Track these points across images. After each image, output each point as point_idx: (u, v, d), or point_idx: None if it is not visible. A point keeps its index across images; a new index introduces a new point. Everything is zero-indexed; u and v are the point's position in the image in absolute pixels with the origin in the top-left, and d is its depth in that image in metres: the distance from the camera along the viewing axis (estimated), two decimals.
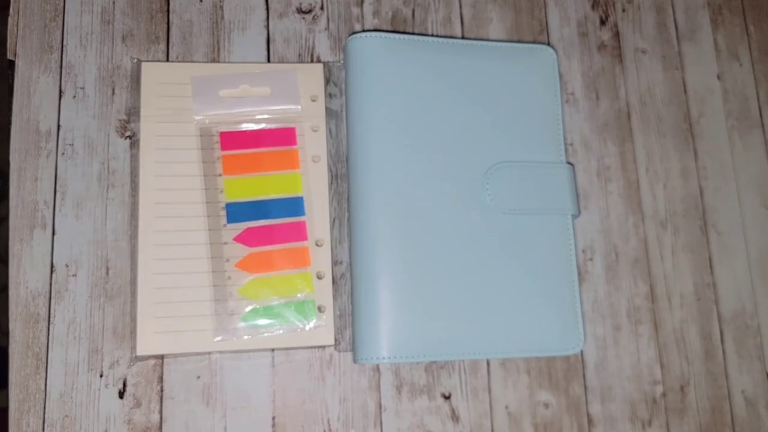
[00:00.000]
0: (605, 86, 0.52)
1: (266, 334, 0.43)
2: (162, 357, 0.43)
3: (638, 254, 0.49)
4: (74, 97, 0.46)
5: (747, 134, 0.52)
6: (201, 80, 0.46)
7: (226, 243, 0.44)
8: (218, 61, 0.48)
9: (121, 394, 0.42)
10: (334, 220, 0.46)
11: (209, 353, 0.43)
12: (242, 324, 0.43)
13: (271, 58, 0.48)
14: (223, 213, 0.44)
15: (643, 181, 0.50)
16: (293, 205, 0.45)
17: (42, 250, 0.43)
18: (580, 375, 0.46)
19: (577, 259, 0.47)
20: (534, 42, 0.51)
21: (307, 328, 0.43)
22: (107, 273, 0.43)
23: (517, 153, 0.47)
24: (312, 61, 0.49)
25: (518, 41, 0.51)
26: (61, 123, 0.45)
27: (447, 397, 0.45)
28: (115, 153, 0.45)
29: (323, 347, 0.44)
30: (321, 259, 0.44)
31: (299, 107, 0.47)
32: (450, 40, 0.48)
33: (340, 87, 0.48)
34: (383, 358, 0.42)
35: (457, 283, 0.44)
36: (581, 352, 0.47)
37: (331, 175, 0.46)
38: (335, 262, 0.45)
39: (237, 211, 0.44)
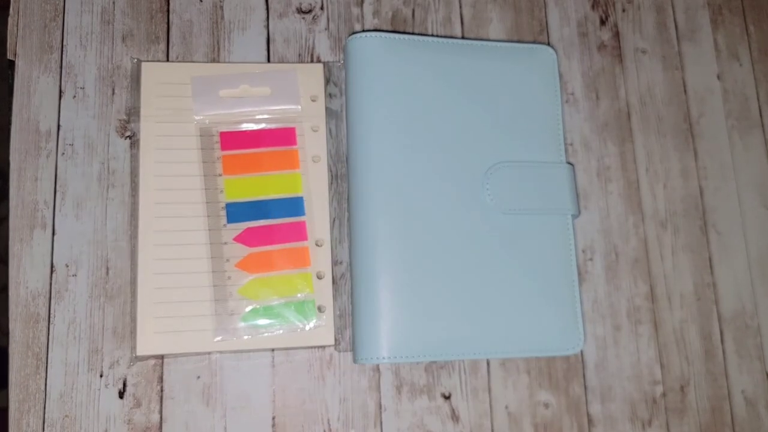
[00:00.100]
0: (605, 86, 0.52)
1: (266, 334, 0.43)
2: (162, 357, 0.43)
3: (638, 254, 0.49)
4: (74, 97, 0.46)
5: (747, 134, 0.52)
6: (201, 80, 0.46)
7: (226, 243, 0.44)
8: (218, 61, 0.48)
9: (121, 394, 0.42)
10: (334, 220, 0.46)
11: (209, 353, 0.43)
12: (242, 324, 0.43)
13: (271, 58, 0.48)
14: (223, 213, 0.44)
15: (643, 181, 0.50)
16: (293, 205, 0.45)
17: (42, 250, 0.43)
18: (580, 375, 0.46)
19: (577, 259, 0.47)
20: (534, 42, 0.51)
21: (307, 328, 0.43)
22: (107, 273, 0.43)
23: (517, 153, 0.47)
24: (312, 61, 0.49)
25: (518, 41, 0.51)
26: (61, 123, 0.45)
27: (447, 397, 0.45)
28: (115, 153, 0.45)
29: (323, 347, 0.44)
30: (321, 259, 0.44)
31: (299, 107, 0.47)
32: (450, 40, 0.48)
33: (340, 87, 0.48)
34: (383, 358, 0.42)
35: (457, 283, 0.44)
36: (581, 352, 0.47)
37: (331, 175, 0.46)
38: (335, 262, 0.45)
39: (237, 211, 0.44)
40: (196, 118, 0.45)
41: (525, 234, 0.45)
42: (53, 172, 0.45)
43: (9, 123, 0.45)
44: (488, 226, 0.45)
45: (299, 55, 0.49)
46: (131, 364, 0.42)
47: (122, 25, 0.47)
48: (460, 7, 0.51)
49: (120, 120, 0.46)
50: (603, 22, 0.53)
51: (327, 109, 0.47)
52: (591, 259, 0.48)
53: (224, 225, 0.44)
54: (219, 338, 0.42)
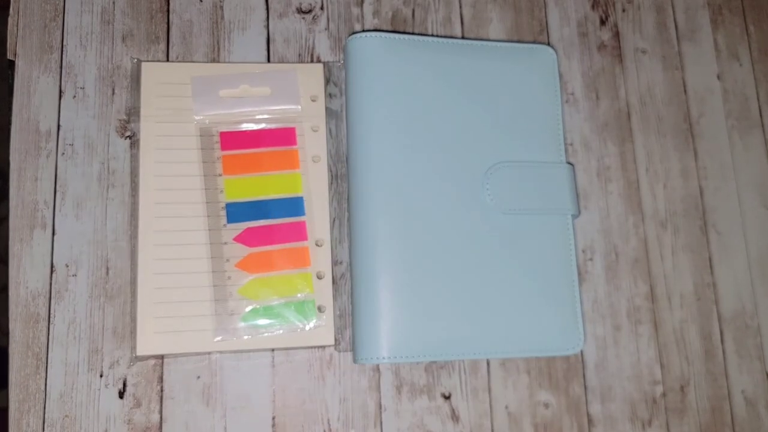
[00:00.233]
0: (605, 86, 0.52)
1: (266, 334, 0.43)
2: (162, 357, 0.43)
3: (638, 254, 0.49)
4: (74, 97, 0.46)
5: (747, 134, 0.52)
6: (201, 80, 0.46)
7: (226, 243, 0.44)
8: (218, 61, 0.48)
9: (121, 394, 0.42)
10: (334, 220, 0.46)
11: (209, 353, 0.43)
12: (242, 324, 0.43)
13: (271, 58, 0.48)
14: (223, 213, 0.44)
15: (643, 181, 0.50)
16: (293, 205, 0.45)
17: (42, 250, 0.43)
18: (580, 375, 0.46)
19: (577, 259, 0.47)
20: (534, 42, 0.51)
21: (307, 328, 0.43)
22: (107, 273, 0.43)
23: (517, 153, 0.47)
24: (312, 61, 0.49)
25: (518, 41, 0.51)
26: (61, 123, 0.45)
27: (447, 397, 0.45)
28: (115, 153, 0.45)
29: (323, 347, 0.44)
30: (321, 259, 0.44)
31: (299, 107, 0.47)
32: (450, 40, 0.48)
33: (340, 87, 0.48)
34: (383, 358, 0.42)
35: (457, 283, 0.44)
36: (581, 352, 0.47)
37: (331, 175, 0.46)
38: (335, 262, 0.45)
39: (237, 211, 0.44)
40: (196, 118, 0.45)
41: (525, 234, 0.45)
42: (53, 172, 0.45)
43: (9, 123, 0.45)
44: (488, 226, 0.45)
45: (299, 55, 0.49)
46: (131, 364, 0.42)
47: (122, 25, 0.47)
48: (460, 7, 0.51)
49: (120, 120, 0.46)
50: (603, 22, 0.53)
51: (327, 109, 0.47)
52: (591, 259, 0.48)
53: (224, 225, 0.44)
54: (219, 338, 0.42)
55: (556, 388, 0.46)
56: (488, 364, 0.46)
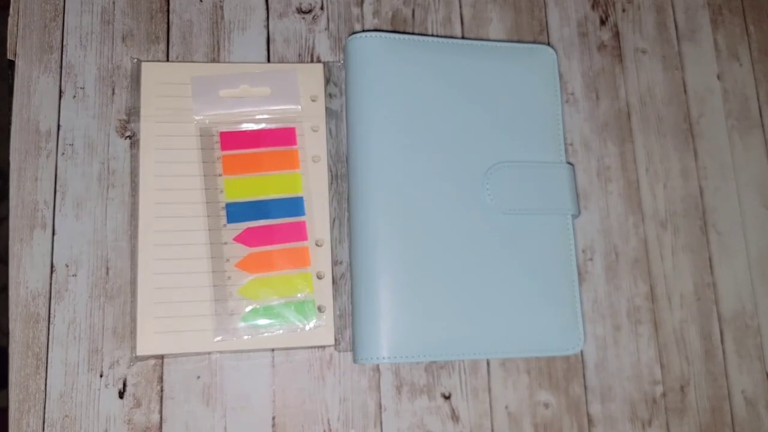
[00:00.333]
0: (605, 86, 0.52)
1: (266, 334, 0.43)
2: (162, 357, 0.43)
3: (638, 254, 0.49)
4: (74, 97, 0.46)
5: (747, 134, 0.52)
6: (201, 80, 0.46)
7: (226, 243, 0.44)
8: (218, 61, 0.48)
9: (121, 394, 0.42)
10: (334, 220, 0.46)
11: (209, 353, 0.43)
12: (242, 324, 0.43)
13: (271, 58, 0.48)
14: (223, 213, 0.44)
15: (643, 181, 0.50)
16: (293, 205, 0.45)
17: (42, 250, 0.43)
18: (580, 375, 0.46)
19: (577, 259, 0.47)
20: (534, 42, 0.51)
21: (307, 328, 0.43)
22: (107, 273, 0.43)
23: (517, 153, 0.47)
24: (312, 61, 0.49)
25: (518, 41, 0.51)
26: (61, 123, 0.45)
27: (447, 397, 0.45)
28: (115, 153, 0.45)
29: (323, 347, 0.44)
30: (321, 259, 0.44)
31: (299, 107, 0.47)
32: (450, 40, 0.48)
33: (340, 87, 0.48)
34: (383, 358, 0.42)
35: (457, 283, 0.44)
36: (581, 352, 0.47)
37: (331, 175, 0.46)
38: (335, 262, 0.45)
39: (237, 211, 0.44)
40: (196, 118, 0.45)
41: (525, 234, 0.45)
42: (53, 172, 0.45)
43: (9, 123, 0.45)
44: (488, 226, 0.45)
45: (299, 55, 0.49)
46: (131, 364, 0.42)
47: (122, 25, 0.47)
48: (460, 7, 0.51)
49: (120, 120, 0.46)
50: (603, 22, 0.53)
51: (327, 109, 0.47)
52: (591, 259, 0.48)
53: (224, 225, 0.44)
54: (219, 338, 0.42)
55: (556, 388, 0.46)
56: (488, 364, 0.46)
